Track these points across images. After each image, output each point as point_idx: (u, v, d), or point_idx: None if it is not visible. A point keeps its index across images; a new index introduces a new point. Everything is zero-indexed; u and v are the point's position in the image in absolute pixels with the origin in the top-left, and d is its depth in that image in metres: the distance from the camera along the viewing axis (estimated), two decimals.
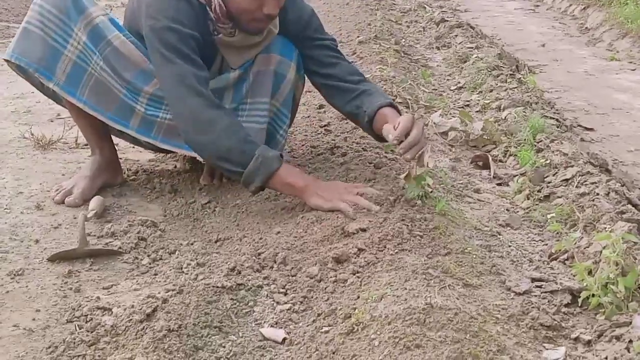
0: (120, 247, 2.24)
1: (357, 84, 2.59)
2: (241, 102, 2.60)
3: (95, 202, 2.48)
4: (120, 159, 2.89)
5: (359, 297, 1.86)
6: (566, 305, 1.94)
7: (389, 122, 2.36)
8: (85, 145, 2.97)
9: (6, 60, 2.52)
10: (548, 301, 1.95)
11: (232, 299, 1.90)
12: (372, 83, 2.78)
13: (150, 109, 2.51)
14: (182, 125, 2.36)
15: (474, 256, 2.11)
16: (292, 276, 2.05)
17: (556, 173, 2.77)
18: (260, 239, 2.24)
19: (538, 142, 3.13)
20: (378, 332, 1.65)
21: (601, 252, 2.02)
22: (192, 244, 2.27)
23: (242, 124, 2.41)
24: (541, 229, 2.45)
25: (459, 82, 4.55)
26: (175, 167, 2.91)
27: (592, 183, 2.55)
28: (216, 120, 2.30)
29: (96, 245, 2.25)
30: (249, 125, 2.54)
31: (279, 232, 2.25)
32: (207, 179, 2.72)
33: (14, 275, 2.06)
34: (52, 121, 3.53)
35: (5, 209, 2.47)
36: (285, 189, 2.34)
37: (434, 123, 3.47)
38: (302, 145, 3.05)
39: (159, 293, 1.88)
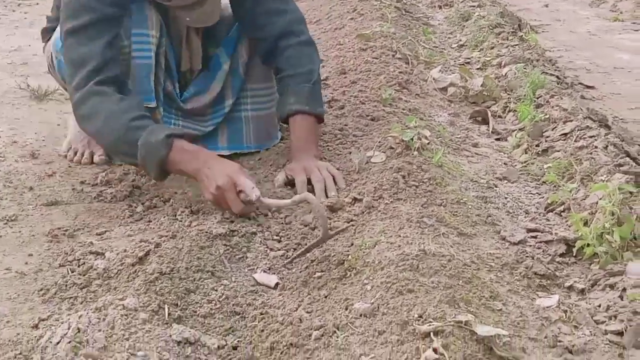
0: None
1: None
2: (240, 93, 2.54)
3: None
4: None
5: (352, 245, 1.86)
6: (561, 255, 1.93)
7: (292, 138, 2.36)
8: None
9: None
10: (543, 251, 1.94)
11: (225, 244, 1.89)
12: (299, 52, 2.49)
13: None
14: (74, 111, 2.20)
15: (470, 206, 2.10)
16: (287, 224, 2.04)
17: (555, 127, 2.73)
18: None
19: (538, 98, 3.09)
20: (370, 277, 1.64)
21: (597, 203, 2.01)
22: (186, 193, 2.25)
23: (128, 108, 2.12)
24: (538, 182, 2.43)
25: (460, 40, 4.49)
26: None
27: (591, 137, 2.52)
28: (97, 109, 2.11)
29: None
30: (257, 113, 2.54)
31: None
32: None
33: (7, 220, 2.06)
34: (48, 73, 3.50)
35: None
36: (181, 174, 2.16)
37: (434, 79, 3.43)
38: None
39: (152, 238, 1.87)
